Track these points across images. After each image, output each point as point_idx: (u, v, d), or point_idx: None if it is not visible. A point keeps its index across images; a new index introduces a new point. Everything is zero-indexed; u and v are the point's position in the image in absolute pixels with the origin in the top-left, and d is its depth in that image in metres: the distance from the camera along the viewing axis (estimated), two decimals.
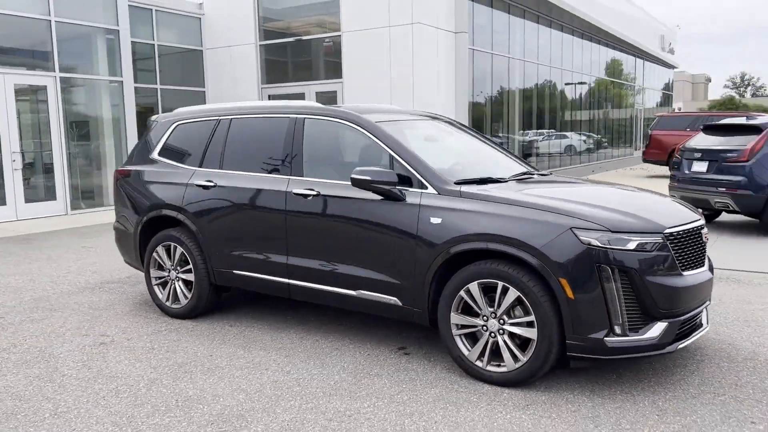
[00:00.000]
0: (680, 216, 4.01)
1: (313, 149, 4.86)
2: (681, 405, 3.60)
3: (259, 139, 5.07)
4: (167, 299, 5.44)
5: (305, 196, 4.61)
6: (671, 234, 3.76)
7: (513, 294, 3.76)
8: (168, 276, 5.43)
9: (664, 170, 19.28)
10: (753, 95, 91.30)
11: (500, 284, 3.80)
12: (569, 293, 3.59)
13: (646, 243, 3.63)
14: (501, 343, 3.85)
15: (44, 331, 5.13)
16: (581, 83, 22.11)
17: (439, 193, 4.12)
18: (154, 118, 5.96)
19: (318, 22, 14.58)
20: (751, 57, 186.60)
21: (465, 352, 3.99)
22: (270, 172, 4.88)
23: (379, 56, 13.33)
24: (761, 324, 5.01)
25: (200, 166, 5.30)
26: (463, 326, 4.00)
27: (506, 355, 3.83)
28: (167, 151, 5.61)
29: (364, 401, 3.73)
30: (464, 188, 4.11)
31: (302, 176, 4.72)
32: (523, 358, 3.77)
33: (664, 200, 4.40)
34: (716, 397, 3.70)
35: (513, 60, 17.39)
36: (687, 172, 9.62)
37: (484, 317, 3.90)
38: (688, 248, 3.89)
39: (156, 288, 5.51)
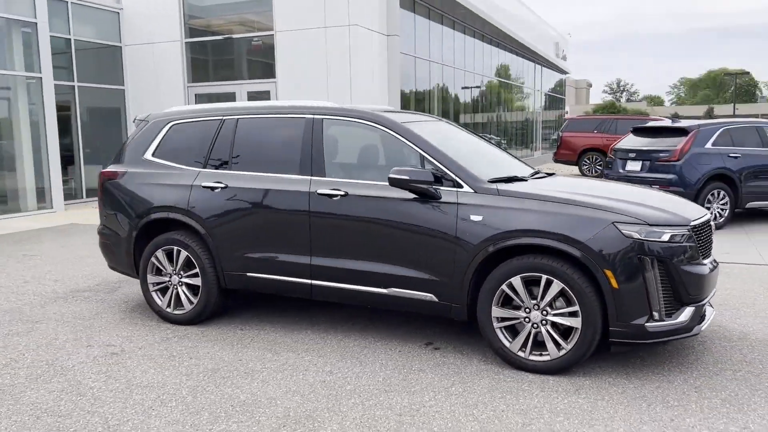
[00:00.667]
0: (696, 211, 4.39)
1: (334, 150, 4.87)
2: (710, 382, 3.96)
3: (272, 139, 5.00)
4: (168, 305, 5.22)
5: (331, 196, 4.61)
6: (695, 226, 4.12)
7: (557, 286, 3.97)
8: (169, 281, 5.22)
9: (574, 170, 20.46)
10: (628, 100, 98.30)
11: (544, 277, 4.00)
12: (614, 283, 3.85)
13: (677, 235, 3.96)
14: (544, 333, 4.05)
15: (39, 344, 4.80)
16: (477, 86, 22.89)
17: (476, 192, 4.27)
18: (143, 117, 5.69)
19: (249, 21, 14.30)
20: (624, 65, 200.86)
21: (506, 343, 4.16)
22: (288, 173, 4.83)
23: (315, 56, 13.29)
24: (736, 307, 5.54)
25: (205, 167, 5.15)
26: (504, 319, 4.17)
27: (550, 344, 4.04)
28: (163, 152, 5.38)
29: (423, 395, 3.81)
30: (500, 186, 4.28)
31: (324, 176, 4.71)
32: (567, 347, 4.00)
33: (674, 197, 4.79)
34: (736, 373, 4.09)
35: (433, 63, 17.85)
36: (621, 170, 10.34)
37: (527, 309, 4.09)
38: (704, 239, 4.27)
39: (154, 294, 5.28)
